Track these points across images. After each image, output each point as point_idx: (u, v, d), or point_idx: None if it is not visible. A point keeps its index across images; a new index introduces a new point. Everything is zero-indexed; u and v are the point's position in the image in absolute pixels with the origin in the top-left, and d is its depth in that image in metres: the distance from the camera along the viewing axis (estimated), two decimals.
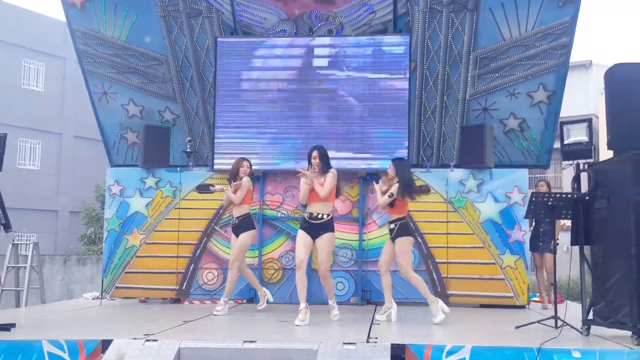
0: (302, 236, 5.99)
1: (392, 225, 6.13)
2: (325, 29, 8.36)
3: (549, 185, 7.69)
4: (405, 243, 6.09)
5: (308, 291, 6.09)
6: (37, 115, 23.48)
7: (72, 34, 8.80)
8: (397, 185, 6.04)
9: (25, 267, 9.90)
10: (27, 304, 9.41)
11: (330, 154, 7.26)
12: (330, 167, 6.04)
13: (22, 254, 10.62)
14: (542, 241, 7.59)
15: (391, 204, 6.09)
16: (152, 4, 8.47)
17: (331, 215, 6.03)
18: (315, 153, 6.01)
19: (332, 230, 6.02)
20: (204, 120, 8.84)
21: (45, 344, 4.60)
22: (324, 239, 5.95)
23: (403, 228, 6.10)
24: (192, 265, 8.09)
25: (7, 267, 10.11)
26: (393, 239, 6.11)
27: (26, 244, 11.00)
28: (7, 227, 5.56)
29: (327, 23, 8.33)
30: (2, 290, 10.02)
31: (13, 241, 10.46)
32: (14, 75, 23.19)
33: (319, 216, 5.94)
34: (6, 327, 5.22)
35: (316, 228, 5.94)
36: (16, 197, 21.51)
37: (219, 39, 8.33)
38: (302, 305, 5.82)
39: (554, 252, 6.02)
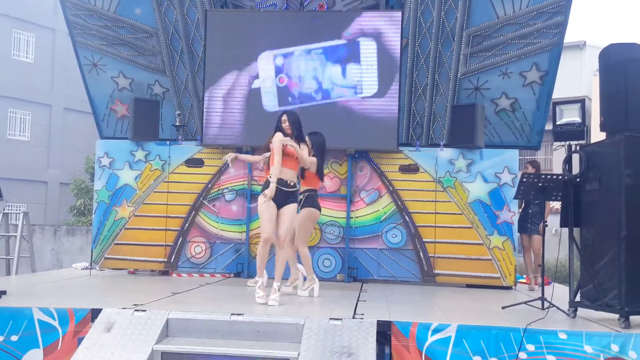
0: (267, 207, 5.50)
1: (301, 196, 6.17)
2: (317, 4, 8.25)
3: (536, 167, 7.63)
4: (307, 213, 6.15)
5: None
6: (27, 86, 23.23)
7: (63, 4, 8.72)
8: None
9: (15, 236, 9.89)
10: (17, 273, 9.40)
11: (320, 128, 7.26)
12: (304, 137, 5.92)
13: (12, 223, 10.58)
14: (530, 222, 7.59)
15: (302, 176, 6.15)
16: None
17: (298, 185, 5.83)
18: (284, 117, 5.71)
19: (297, 201, 5.82)
20: (193, 94, 8.76)
21: (35, 311, 4.64)
22: (291, 208, 5.65)
23: (310, 199, 6.18)
24: (181, 238, 8.09)
25: None
26: (300, 209, 6.11)
27: (16, 213, 10.94)
28: None
29: None
30: None
31: (3, 210, 10.41)
32: (4, 46, 22.87)
33: (292, 184, 5.65)
34: None
35: (286, 196, 5.59)
36: (6, 168, 21.42)
37: (209, 12, 8.21)
38: (260, 279, 5.56)
39: (543, 234, 6.03)
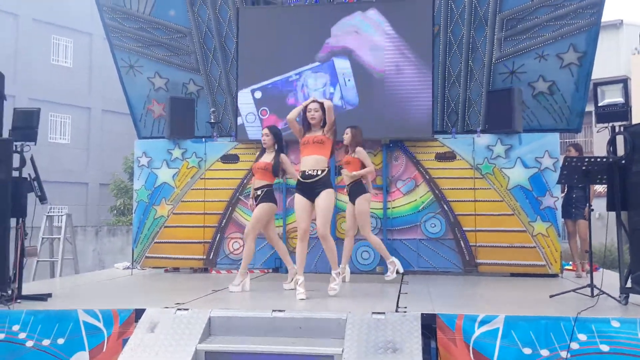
0: (299, 201, 5.52)
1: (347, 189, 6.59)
2: None
3: (579, 150, 7.44)
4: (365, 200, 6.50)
5: (322, 259, 6.04)
6: (67, 90, 23.80)
7: (100, 9, 8.91)
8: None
9: (59, 239, 10.14)
10: (61, 274, 9.65)
11: (354, 120, 7.22)
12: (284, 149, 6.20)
13: (56, 225, 10.85)
14: (575, 207, 7.39)
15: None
16: None
17: (327, 169, 5.54)
18: (313, 105, 5.62)
19: (330, 186, 5.55)
20: (226, 91, 8.82)
21: (80, 313, 4.69)
22: (323, 197, 5.43)
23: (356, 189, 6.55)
24: (219, 234, 8.16)
25: (42, 238, 10.36)
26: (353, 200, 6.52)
27: (59, 215, 11.24)
28: (42, 198, 5.68)
29: None
30: (37, 261, 10.29)
31: (47, 213, 10.68)
32: (44, 52, 23.48)
33: (314, 173, 5.48)
34: (43, 297, 5.38)
35: (312, 187, 5.47)
36: (48, 171, 21.94)
37: (240, 10, 8.23)
38: (301, 277, 5.51)
39: (589, 218, 5.86)
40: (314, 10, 8.10)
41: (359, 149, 6.60)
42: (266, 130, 6.28)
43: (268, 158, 6.25)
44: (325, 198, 5.45)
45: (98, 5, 8.91)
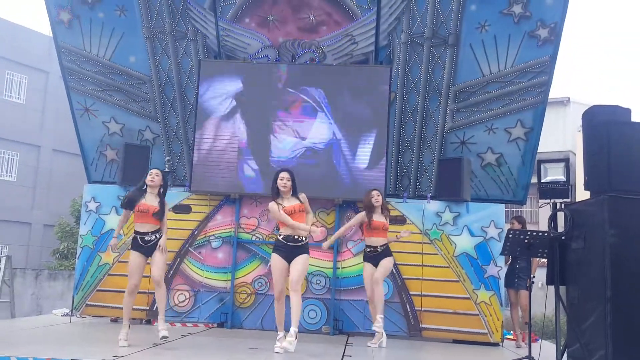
0: (278, 263, 5.82)
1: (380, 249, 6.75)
2: (308, 57, 8.43)
3: (522, 223, 7.68)
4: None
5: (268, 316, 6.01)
6: (17, 127, 23.23)
7: (58, 50, 8.84)
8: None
9: None
10: None
11: (309, 180, 7.33)
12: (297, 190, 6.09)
13: None
14: (517, 277, 7.57)
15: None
16: (138, 25, 8.55)
17: (307, 237, 5.96)
18: (285, 174, 5.93)
19: (308, 252, 5.96)
20: (183, 140, 8.84)
21: None
22: (302, 258, 5.82)
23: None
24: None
25: None
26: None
27: None
28: None
29: (310, 51, 8.42)
30: None
31: None
32: None
33: (299, 238, 5.83)
34: None
35: (295, 250, 5.80)
36: None
37: (202, 62, 8.36)
38: (281, 334, 5.77)
39: (530, 290, 6.02)
40: (276, 68, 8.28)
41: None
42: (157, 171, 6.10)
43: (154, 201, 6.02)
44: (304, 260, 5.88)
45: (57, 46, 8.84)
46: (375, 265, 6.67)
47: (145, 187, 5.99)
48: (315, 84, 8.07)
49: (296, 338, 5.64)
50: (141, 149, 8.53)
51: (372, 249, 6.70)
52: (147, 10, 8.48)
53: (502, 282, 7.63)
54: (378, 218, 6.73)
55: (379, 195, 6.80)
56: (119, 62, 8.75)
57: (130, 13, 8.51)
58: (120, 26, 8.57)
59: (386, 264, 6.68)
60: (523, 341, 7.43)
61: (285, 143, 8.06)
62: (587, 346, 4.88)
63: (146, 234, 5.91)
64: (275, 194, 5.93)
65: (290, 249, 5.80)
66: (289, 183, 5.90)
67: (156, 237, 5.93)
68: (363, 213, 6.84)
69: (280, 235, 5.88)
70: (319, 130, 8.03)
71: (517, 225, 7.50)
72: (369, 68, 8.25)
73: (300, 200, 5.94)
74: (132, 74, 8.80)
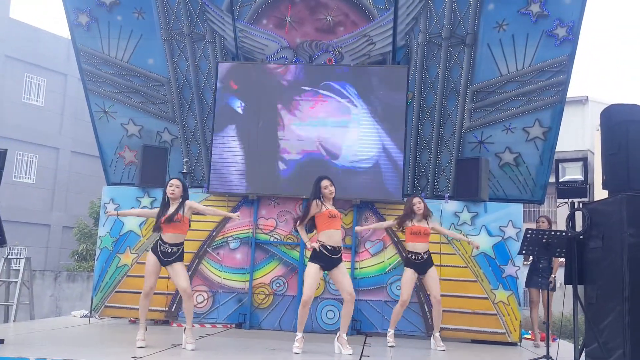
0: (314, 272, 5.85)
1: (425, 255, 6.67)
2: (325, 58, 8.46)
3: (549, 222, 7.61)
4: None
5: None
6: (36, 129, 23.55)
7: (77, 53, 8.94)
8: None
9: (16, 282, 9.84)
10: (15, 319, 9.32)
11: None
12: None
13: (14, 268, 10.54)
14: (541, 277, 7.49)
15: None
16: (156, 28, 8.61)
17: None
18: (327, 182, 6.02)
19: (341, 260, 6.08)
20: (201, 142, 8.90)
21: None
22: (342, 266, 5.97)
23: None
24: None
25: None
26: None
27: (17, 258, 10.93)
28: (2, 242, 5.55)
29: (327, 52, 8.44)
30: None
31: (6, 256, 10.40)
32: (16, 90, 23.31)
33: (338, 248, 5.91)
34: None
35: (333, 261, 5.88)
36: (9, 210, 21.45)
37: (220, 63, 8.42)
38: (300, 334, 5.81)
39: (553, 289, 5.95)
40: (294, 70, 8.31)
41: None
42: (177, 182, 6.05)
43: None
44: (344, 266, 6.05)
45: (75, 49, 8.96)
46: (419, 272, 6.64)
47: (167, 199, 6.01)
48: (336, 84, 8.09)
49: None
50: (159, 151, 8.60)
51: (416, 255, 6.64)
52: (165, 12, 8.55)
53: (520, 281, 7.59)
54: (419, 223, 6.70)
55: (420, 203, 6.75)
56: (137, 64, 8.83)
57: (148, 15, 8.58)
58: (139, 28, 8.65)
59: (436, 276, 6.74)
60: (542, 340, 7.38)
61: (302, 143, 8.07)
62: (605, 345, 4.86)
63: (166, 244, 5.90)
64: (318, 197, 5.99)
65: (331, 260, 5.88)
66: (333, 188, 6.03)
67: (176, 250, 5.90)
68: (394, 221, 6.91)
69: (321, 244, 5.87)
70: (337, 130, 8.04)
71: (546, 224, 7.42)
72: (387, 68, 8.26)
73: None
74: (150, 76, 8.88)
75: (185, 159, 8.82)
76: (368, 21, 8.22)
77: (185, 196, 6.04)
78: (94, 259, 8.64)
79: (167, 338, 6.45)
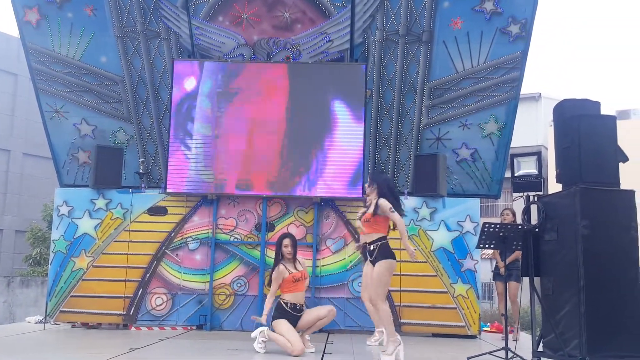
0: (288, 325, 5.86)
1: (372, 247, 5.54)
2: (283, 55, 8.42)
3: (514, 214, 7.71)
4: (386, 265, 5.44)
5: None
6: None
7: (27, 51, 8.67)
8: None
9: None
10: None
11: (286, 178, 7.32)
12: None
13: None
14: (506, 269, 7.56)
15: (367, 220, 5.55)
16: (108, 25, 8.42)
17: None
18: (287, 241, 6.04)
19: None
20: (158, 141, 8.74)
21: None
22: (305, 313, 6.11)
23: (384, 249, 5.50)
24: (141, 289, 7.88)
25: None
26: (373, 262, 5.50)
27: None
28: None
29: (285, 50, 8.40)
30: None
31: None
32: None
33: (301, 307, 6.02)
34: None
35: (297, 318, 5.96)
36: None
37: (175, 61, 8.28)
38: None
39: (516, 280, 6.00)
40: (251, 67, 8.23)
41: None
42: (287, 241, 6.10)
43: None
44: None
45: (25, 47, 8.68)
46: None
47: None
48: (289, 82, 8.05)
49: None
50: (114, 151, 8.41)
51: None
52: (118, 9, 8.36)
53: (478, 275, 7.71)
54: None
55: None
56: (90, 62, 8.62)
57: (100, 12, 8.38)
58: (90, 26, 8.44)
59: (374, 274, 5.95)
60: (510, 333, 7.36)
61: (262, 141, 8.01)
62: (562, 336, 4.96)
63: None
64: (280, 261, 6.03)
65: (296, 317, 5.92)
66: (293, 250, 6.04)
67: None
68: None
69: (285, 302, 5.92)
70: (297, 128, 8.01)
71: (510, 217, 7.51)
72: (345, 66, 8.26)
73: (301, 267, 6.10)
74: (103, 75, 8.67)
75: (141, 159, 8.64)
76: (325, 18, 8.22)
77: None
78: (48, 264, 8.39)
79: (126, 342, 6.31)
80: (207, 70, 8.22)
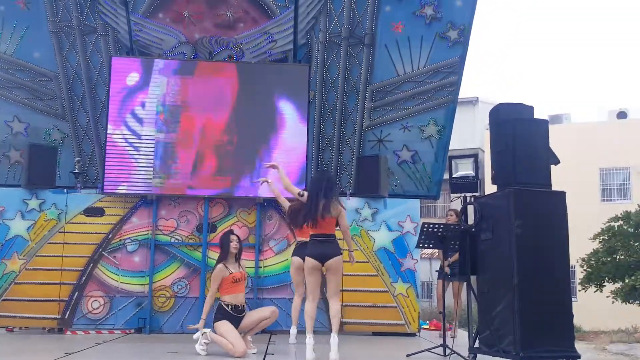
0: (230, 326, 5.78)
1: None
2: (226, 54, 8.35)
3: (457, 215, 7.85)
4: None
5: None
6: None
7: None
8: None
9: None
10: None
11: (229, 179, 7.25)
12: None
13: None
14: (450, 268, 7.71)
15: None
16: (43, 19, 8.13)
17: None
18: (234, 237, 6.00)
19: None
20: (94, 140, 8.48)
21: None
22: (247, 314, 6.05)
23: (297, 249, 6.28)
24: (77, 292, 7.64)
25: None
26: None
27: None
28: None
29: (227, 49, 8.33)
30: None
31: None
32: None
33: (242, 307, 5.95)
34: None
35: (239, 320, 5.90)
36: None
37: (113, 58, 8.06)
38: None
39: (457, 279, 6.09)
40: (192, 65, 8.12)
41: None
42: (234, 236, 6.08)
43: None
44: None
45: None
46: None
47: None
48: (232, 81, 7.99)
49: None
50: (48, 150, 8.14)
51: None
52: (52, 3, 8.08)
53: (418, 274, 7.88)
54: None
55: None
56: (22, 57, 8.29)
57: (34, 6, 8.08)
58: (24, 20, 8.13)
59: None
60: (449, 330, 7.49)
61: (203, 141, 7.92)
62: (497, 332, 5.13)
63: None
64: (225, 257, 5.92)
65: (238, 318, 5.85)
66: (239, 245, 5.98)
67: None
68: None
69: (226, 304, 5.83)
70: (238, 128, 7.96)
71: (454, 217, 7.63)
72: (288, 66, 8.27)
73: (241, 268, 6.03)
74: (36, 70, 8.36)
75: (77, 158, 8.37)
76: (268, 18, 8.20)
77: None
78: None
79: (61, 346, 6.10)
80: (146, 67, 8.04)
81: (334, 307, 5.35)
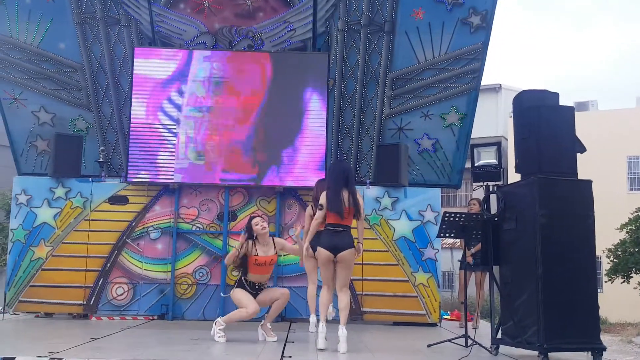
0: (244, 293, 5.92)
1: None
2: (245, 44, 8.36)
3: (480, 204, 7.80)
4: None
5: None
6: None
7: None
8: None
9: None
10: None
11: (249, 168, 7.27)
12: None
13: None
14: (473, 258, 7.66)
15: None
16: (67, 11, 8.25)
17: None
18: (258, 219, 5.98)
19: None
20: (118, 129, 8.61)
21: None
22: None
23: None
24: (101, 279, 7.79)
25: None
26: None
27: None
28: None
29: (247, 38, 8.34)
30: None
31: None
32: None
33: (258, 286, 5.96)
34: None
35: (256, 295, 5.98)
36: None
37: (136, 49, 8.13)
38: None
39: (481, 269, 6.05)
40: (214, 55, 8.15)
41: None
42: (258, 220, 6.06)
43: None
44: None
45: None
46: None
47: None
48: (254, 69, 8.01)
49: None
50: (73, 139, 8.26)
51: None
52: None
53: (439, 264, 7.85)
54: None
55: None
56: (48, 49, 8.43)
57: None
58: (49, 11, 8.25)
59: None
60: (470, 321, 7.45)
61: (224, 130, 7.96)
62: (520, 323, 5.07)
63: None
64: (252, 237, 5.92)
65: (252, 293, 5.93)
66: (266, 224, 5.96)
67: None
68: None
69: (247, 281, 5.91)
70: (259, 118, 7.98)
71: (477, 207, 7.54)
72: (307, 55, 8.26)
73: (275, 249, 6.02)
74: (62, 62, 8.49)
75: (101, 148, 8.51)
76: (288, 7, 8.19)
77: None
78: (7, 253, 8.21)
79: (87, 332, 6.23)
80: (168, 57, 8.09)
81: (343, 299, 5.34)
